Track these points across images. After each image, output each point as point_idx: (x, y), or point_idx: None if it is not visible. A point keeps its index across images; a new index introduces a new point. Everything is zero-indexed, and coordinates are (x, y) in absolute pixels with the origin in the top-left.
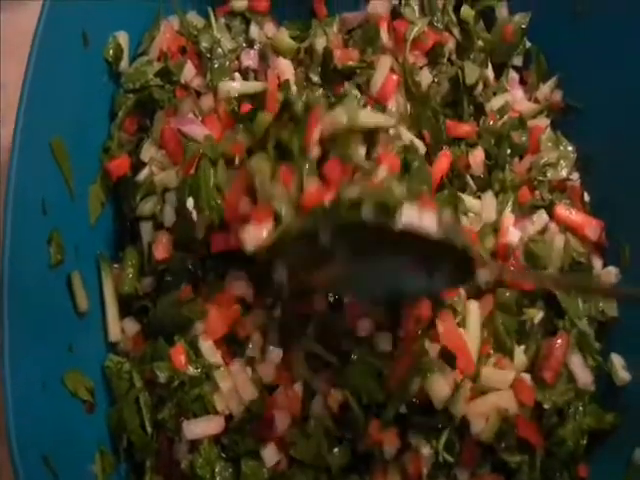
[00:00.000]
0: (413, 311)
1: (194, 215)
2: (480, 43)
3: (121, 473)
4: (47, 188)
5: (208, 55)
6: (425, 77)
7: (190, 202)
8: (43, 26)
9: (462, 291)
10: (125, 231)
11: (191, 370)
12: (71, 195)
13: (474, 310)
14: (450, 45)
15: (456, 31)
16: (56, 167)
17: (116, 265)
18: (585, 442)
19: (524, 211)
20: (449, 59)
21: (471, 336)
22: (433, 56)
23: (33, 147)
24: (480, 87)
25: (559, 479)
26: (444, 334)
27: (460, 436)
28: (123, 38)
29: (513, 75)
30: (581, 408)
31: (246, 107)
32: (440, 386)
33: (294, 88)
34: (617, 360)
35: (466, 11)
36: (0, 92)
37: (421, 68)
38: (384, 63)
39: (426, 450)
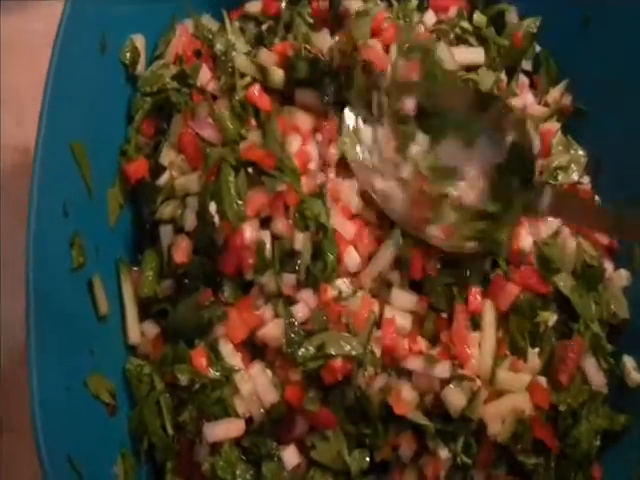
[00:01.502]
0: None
1: (216, 220)
2: (495, 48)
3: (142, 475)
4: (68, 191)
5: (223, 58)
6: None
7: (213, 207)
8: (63, 31)
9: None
10: (144, 234)
11: (212, 373)
12: (90, 198)
13: (489, 310)
14: None
15: (472, 39)
16: (77, 170)
17: (135, 268)
18: (598, 443)
19: None
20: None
21: (486, 336)
22: None
23: (54, 150)
24: (495, 93)
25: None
26: (454, 332)
27: (477, 438)
28: (140, 41)
29: (523, 79)
30: (594, 410)
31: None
32: (456, 397)
33: None
34: (629, 362)
35: (479, 17)
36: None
37: None
38: None
39: (444, 453)
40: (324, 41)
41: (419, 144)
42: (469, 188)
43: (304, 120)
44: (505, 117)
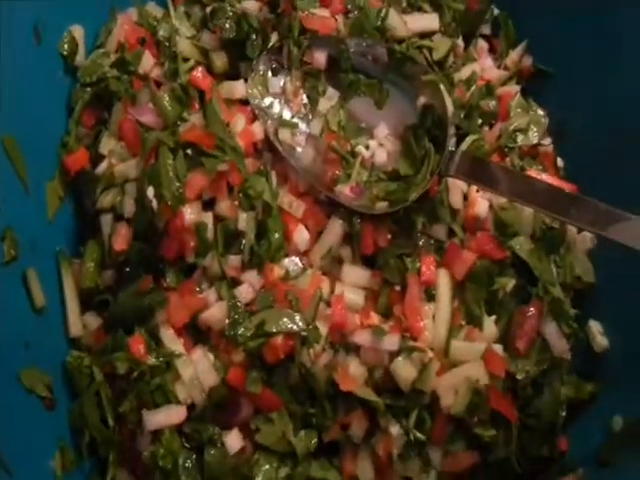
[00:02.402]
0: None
1: (154, 204)
2: (450, 13)
3: (85, 469)
4: (0, 186)
5: (166, 44)
6: None
7: (150, 191)
8: None
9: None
10: (86, 226)
11: (151, 360)
12: (26, 191)
13: (444, 280)
14: None
15: (426, 5)
16: (9, 164)
17: (77, 260)
18: (564, 414)
19: None
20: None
21: (440, 306)
22: None
23: None
24: (451, 59)
25: (538, 452)
26: (407, 304)
27: (431, 413)
28: (78, 32)
29: (482, 44)
30: (558, 378)
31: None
32: (406, 369)
33: None
34: (595, 326)
35: None
36: None
37: None
38: None
39: (396, 430)
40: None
41: (329, 99)
42: (380, 148)
43: (240, 88)
44: (417, 79)
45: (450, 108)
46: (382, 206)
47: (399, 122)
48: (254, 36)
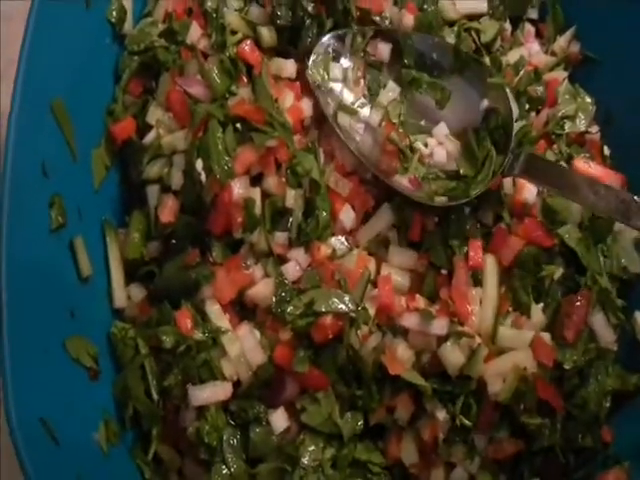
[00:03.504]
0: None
1: (203, 177)
2: None
3: (128, 442)
4: (48, 150)
5: (214, 15)
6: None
7: (199, 164)
8: None
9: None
10: (132, 196)
11: (198, 335)
12: (74, 158)
13: (491, 265)
14: None
15: None
16: (57, 129)
17: (122, 230)
18: (608, 404)
19: None
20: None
21: (487, 291)
22: None
23: (32, 107)
24: (498, 42)
25: (582, 443)
26: (454, 288)
27: (477, 399)
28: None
29: (529, 28)
30: (604, 369)
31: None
32: (454, 354)
33: None
34: None
35: None
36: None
37: None
38: None
39: (442, 415)
40: None
41: (390, 92)
42: (439, 146)
43: (290, 66)
44: (482, 80)
45: (515, 112)
46: (442, 200)
47: (460, 122)
48: (309, 22)
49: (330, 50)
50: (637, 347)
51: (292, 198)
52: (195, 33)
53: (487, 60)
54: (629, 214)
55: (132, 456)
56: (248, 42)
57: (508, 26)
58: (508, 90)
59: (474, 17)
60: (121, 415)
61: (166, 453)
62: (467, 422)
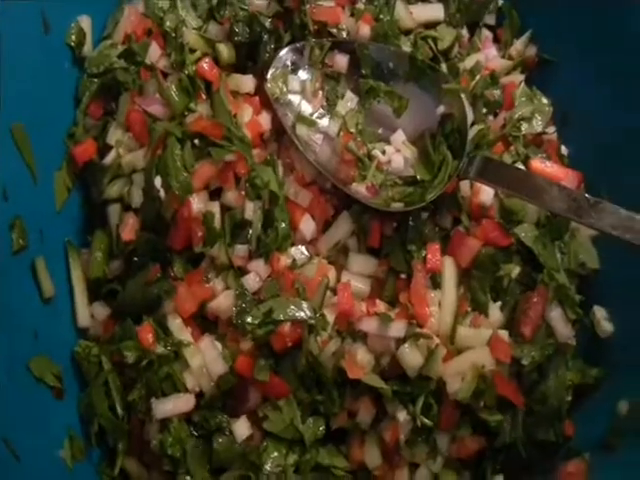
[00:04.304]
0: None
1: (162, 194)
2: (455, 4)
3: (94, 458)
4: (7, 174)
5: (173, 34)
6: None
7: (158, 181)
8: (0, 13)
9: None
10: (94, 216)
11: (160, 349)
12: (34, 181)
13: (449, 267)
14: None
15: None
16: (17, 153)
17: (85, 250)
18: (570, 398)
19: None
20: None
21: (446, 293)
22: None
23: None
24: (456, 49)
25: (544, 437)
26: (413, 292)
27: (438, 399)
28: (86, 23)
29: (486, 34)
30: (563, 364)
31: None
32: (412, 356)
33: None
34: (599, 312)
35: None
36: None
37: None
38: None
39: (403, 416)
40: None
41: (347, 102)
42: (396, 154)
43: (249, 82)
44: (438, 87)
45: (470, 117)
46: (398, 206)
47: (417, 129)
48: (266, 37)
49: (288, 63)
50: (597, 341)
51: (251, 210)
52: (154, 53)
53: (444, 67)
54: (581, 212)
55: (98, 472)
56: (207, 60)
57: (465, 32)
58: (463, 95)
59: (431, 25)
60: (87, 431)
61: (132, 467)
62: (428, 422)
